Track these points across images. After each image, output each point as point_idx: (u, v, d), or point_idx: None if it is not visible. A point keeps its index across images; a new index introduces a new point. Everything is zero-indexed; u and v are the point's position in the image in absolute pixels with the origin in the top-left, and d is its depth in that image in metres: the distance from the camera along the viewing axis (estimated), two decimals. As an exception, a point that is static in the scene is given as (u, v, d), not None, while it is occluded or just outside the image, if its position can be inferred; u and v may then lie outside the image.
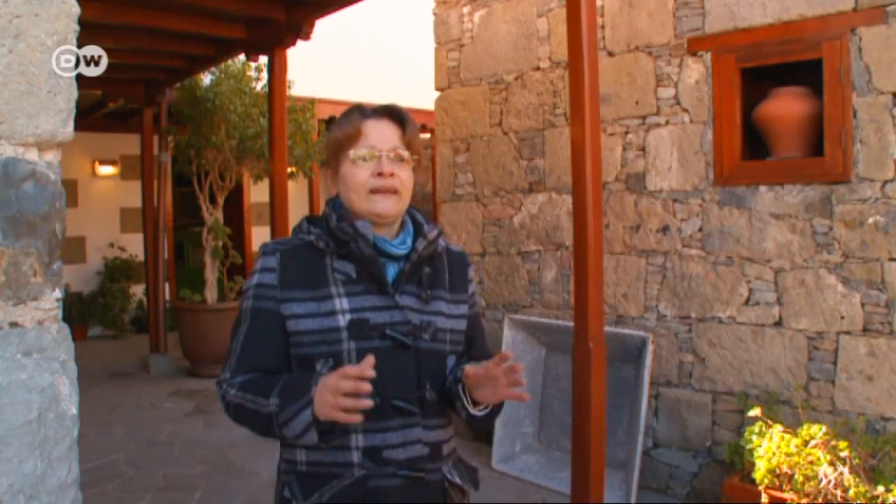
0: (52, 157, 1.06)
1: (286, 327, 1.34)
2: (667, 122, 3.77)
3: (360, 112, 1.42)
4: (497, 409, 1.41)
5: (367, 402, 1.17)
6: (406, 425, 1.34)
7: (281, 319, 1.34)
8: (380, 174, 1.36)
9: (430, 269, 1.44)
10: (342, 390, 1.17)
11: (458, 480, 1.42)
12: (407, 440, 1.34)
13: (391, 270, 1.39)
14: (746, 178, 3.49)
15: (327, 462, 1.33)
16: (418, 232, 1.45)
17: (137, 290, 8.66)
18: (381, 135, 1.38)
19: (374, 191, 1.36)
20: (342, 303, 1.33)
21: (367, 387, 1.16)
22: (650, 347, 3.61)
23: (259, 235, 9.15)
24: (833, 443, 2.79)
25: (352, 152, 1.38)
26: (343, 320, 1.32)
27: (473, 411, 1.37)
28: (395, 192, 1.37)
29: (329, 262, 1.37)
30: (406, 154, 1.39)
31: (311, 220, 1.43)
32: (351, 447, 1.32)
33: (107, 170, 8.83)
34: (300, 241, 1.39)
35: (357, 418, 1.18)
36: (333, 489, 1.31)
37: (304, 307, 1.33)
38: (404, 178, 1.39)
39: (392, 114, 1.42)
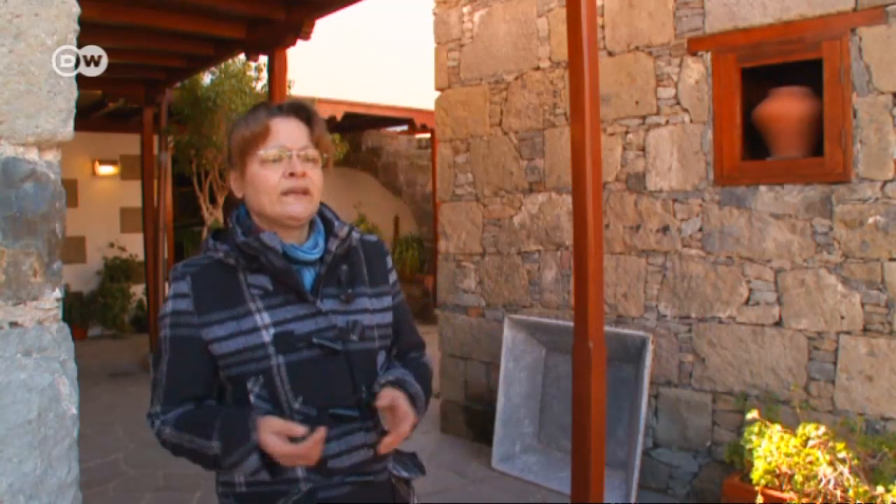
0: (52, 156, 1.06)
1: (210, 351, 1.30)
2: (667, 122, 3.77)
3: (266, 110, 1.36)
4: None
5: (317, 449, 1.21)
6: (347, 432, 1.31)
7: (202, 345, 1.30)
8: (292, 174, 1.31)
9: (347, 265, 1.39)
10: (291, 456, 1.21)
11: (404, 473, 1.41)
12: (351, 447, 1.31)
13: (308, 276, 1.35)
14: (746, 178, 3.48)
15: (270, 480, 1.28)
16: (329, 230, 1.40)
17: (137, 290, 8.66)
18: (291, 134, 1.33)
19: (286, 192, 1.31)
20: (263, 318, 1.29)
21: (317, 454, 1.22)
22: (650, 347, 3.61)
23: (259, 235, 9.14)
24: (832, 443, 2.79)
25: (261, 152, 1.32)
26: (267, 335, 1.28)
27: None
28: (306, 192, 1.33)
29: (242, 277, 1.32)
30: (315, 153, 1.35)
31: (216, 235, 1.37)
32: None
33: (107, 170, 8.83)
34: (209, 259, 1.33)
35: (314, 460, 1.22)
36: None
37: (225, 328, 1.28)
38: (315, 177, 1.34)
39: (300, 112, 1.37)
